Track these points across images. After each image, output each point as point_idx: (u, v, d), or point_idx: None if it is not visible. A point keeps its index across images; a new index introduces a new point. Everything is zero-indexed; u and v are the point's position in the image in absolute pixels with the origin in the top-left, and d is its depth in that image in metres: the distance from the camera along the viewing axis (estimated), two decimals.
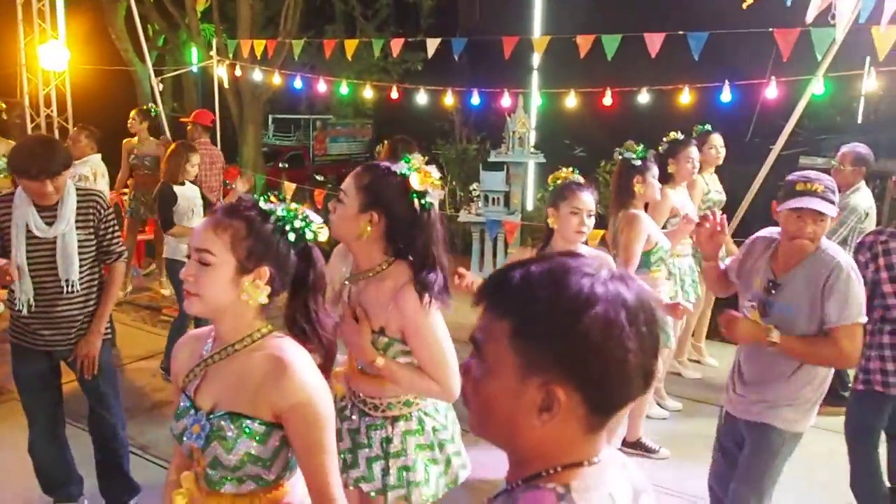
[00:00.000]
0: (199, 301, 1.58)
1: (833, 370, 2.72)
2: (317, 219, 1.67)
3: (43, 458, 3.37)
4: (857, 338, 2.54)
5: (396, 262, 2.13)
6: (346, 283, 2.28)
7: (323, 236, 1.70)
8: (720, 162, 5.10)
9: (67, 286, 3.08)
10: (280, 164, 14.34)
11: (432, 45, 7.39)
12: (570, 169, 3.23)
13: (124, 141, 6.82)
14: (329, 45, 7.95)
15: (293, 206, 1.65)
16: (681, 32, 5.77)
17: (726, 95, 6.03)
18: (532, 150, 8.15)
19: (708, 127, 5.10)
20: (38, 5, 7.49)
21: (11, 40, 7.65)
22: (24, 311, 3.08)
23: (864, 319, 2.54)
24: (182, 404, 1.68)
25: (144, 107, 6.81)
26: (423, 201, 2.09)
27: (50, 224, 3.02)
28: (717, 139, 5.04)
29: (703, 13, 6.49)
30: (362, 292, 2.18)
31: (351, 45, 7.70)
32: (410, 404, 2.29)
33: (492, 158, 8.21)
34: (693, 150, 4.48)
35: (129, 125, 6.50)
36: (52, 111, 7.85)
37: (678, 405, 4.71)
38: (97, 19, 10.61)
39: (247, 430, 1.56)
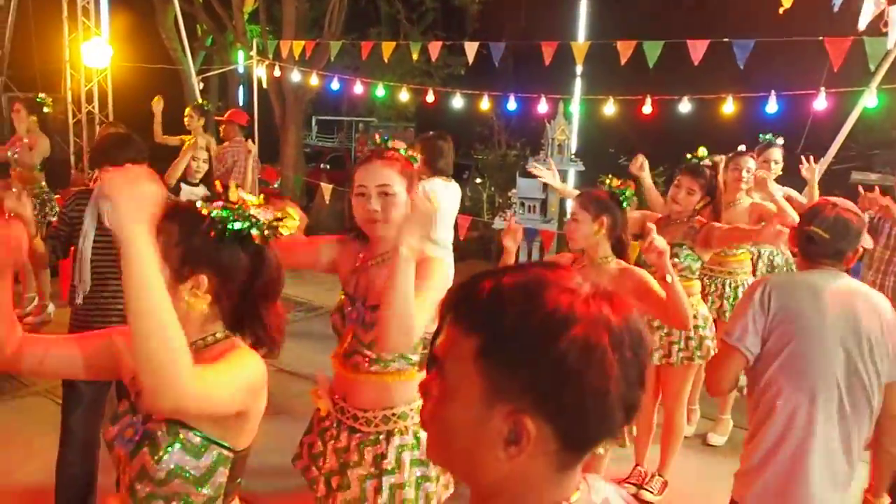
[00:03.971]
0: None
1: None
2: (265, 215, 1.52)
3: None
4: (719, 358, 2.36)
5: None
6: (353, 273, 2.23)
7: (286, 231, 1.57)
8: (773, 177, 4.75)
9: None
10: (322, 165, 14.41)
11: (471, 49, 7.28)
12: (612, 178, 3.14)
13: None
14: (367, 48, 7.89)
15: (238, 202, 1.50)
16: (725, 39, 5.53)
17: (772, 106, 5.77)
18: (572, 157, 7.95)
19: (769, 137, 4.77)
20: (83, 3, 7.62)
21: (56, 37, 7.79)
22: (79, 300, 3.07)
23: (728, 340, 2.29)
24: (122, 407, 1.57)
25: (197, 102, 6.79)
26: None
27: None
28: (773, 153, 4.71)
29: (749, 20, 6.23)
30: (376, 276, 2.15)
31: (388, 48, 7.63)
32: (405, 417, 2.17)
33: (529, 165, 8.03)
34: (744, 161, 4.30)
35: (185, 122, 6.47)
36: (93, 107, 7.98)
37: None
38: (141, 17, 10.79)
39: (181, 439, 1.44)
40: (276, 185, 11.99)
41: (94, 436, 3.15)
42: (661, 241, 2.66)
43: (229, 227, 1.48)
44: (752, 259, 4.58)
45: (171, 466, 1.44)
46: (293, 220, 1.57)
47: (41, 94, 6.18)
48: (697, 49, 5.70)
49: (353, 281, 2.23)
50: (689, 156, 3.81)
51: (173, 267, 1.46)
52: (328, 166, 14.50)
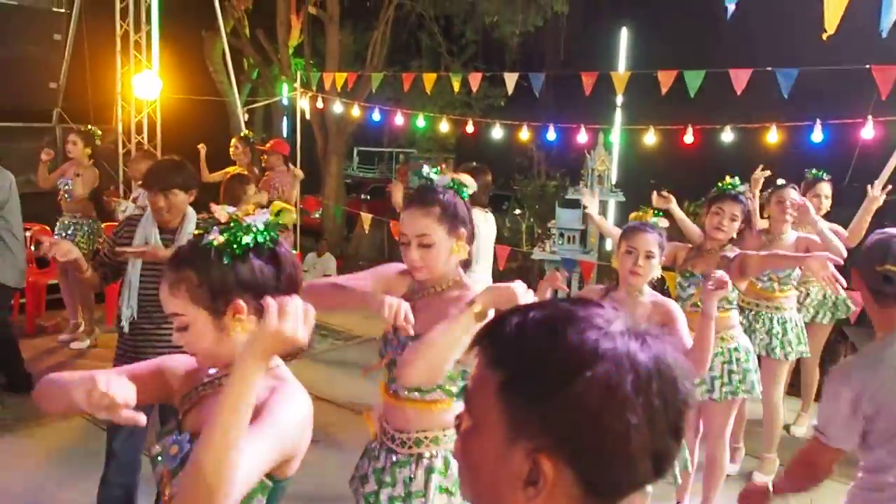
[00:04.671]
0: (201, 357, 1.54)
1: None
2: (262, 219, 1.51)
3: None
4: None
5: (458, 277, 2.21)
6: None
7: (288, 220, 1.58)
8: (822, 212, 4.66)
9: None
10: (362, 196, 14.56)
11: (511, 79, 7.33)
12: (649, 209, 3.13)
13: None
14: (408, 79, 8.00)
15: (230, 220, 1.50)
16: (769, 69, 5.46)
17: (817, 135, 5.66)
18: (612, 188, 7.89)
19: (816, 173, 4.73)
20: (135, 37, 7.90)
21: (109, 71, 8.06)
22: (126, 328, 3.12)
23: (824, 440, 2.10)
24: (169, 425, 1.58)
25: (243, 133, 6.94)
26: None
27: (167, 246, 3.15)
28: (823, 187, 4.66)
29: (794, 48, 6.15)
30: (424, 309, 2.12)
31: (430, 79, 7.72)
32: (438, 441, 2.17)
33: (569, 196, 8.00)
34: (787, 193, 4.22)
35: (231, 153, 6.64)
36: (142, 138, 8.21)
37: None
38: (189, 51, 11.09)
39: None
40: (316, 215, 12.17)
41: (136, 458, 3.20)
42: (726, 276, 2.65)
43: (237, 246, 1.48)
44: (799, 297, 4.51)
45: None
46: (290, 212, 1.59)
47: (90, 126, 6.34)
48: (740, 78, 5.65)
49: None
50: (720, 184, 3.77)
51: (206, 306, 1.47)
52: (368, 196, 14.64)
